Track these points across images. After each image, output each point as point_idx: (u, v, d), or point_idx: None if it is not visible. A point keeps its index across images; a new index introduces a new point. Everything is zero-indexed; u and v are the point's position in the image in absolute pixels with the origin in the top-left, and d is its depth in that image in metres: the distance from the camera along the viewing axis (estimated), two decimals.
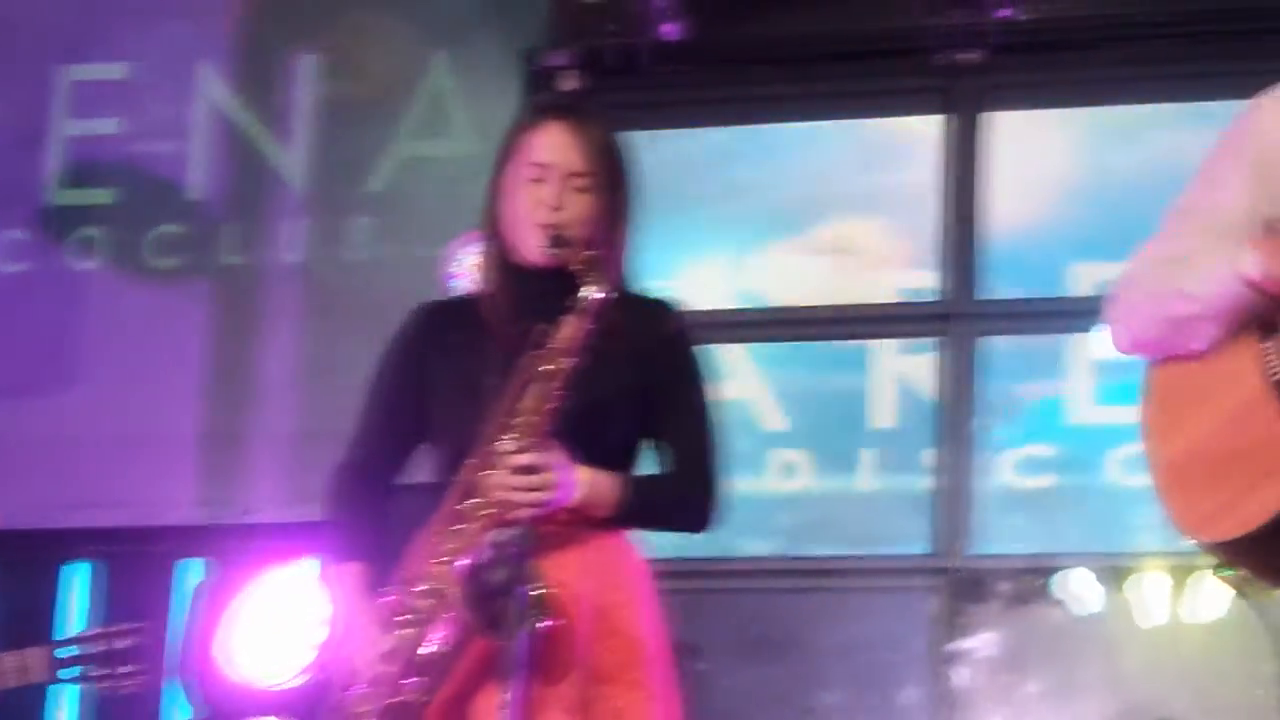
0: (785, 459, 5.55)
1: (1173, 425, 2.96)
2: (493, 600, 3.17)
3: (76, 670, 3.94)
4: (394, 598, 3.34)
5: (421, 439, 3.48)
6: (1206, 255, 2.87)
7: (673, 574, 3.41)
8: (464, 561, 3.23)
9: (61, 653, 3.92)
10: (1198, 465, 2.93)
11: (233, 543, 5.78)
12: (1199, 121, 5.04)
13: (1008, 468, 5.47)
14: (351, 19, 6.05)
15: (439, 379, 3.45)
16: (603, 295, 3.26)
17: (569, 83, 5.66)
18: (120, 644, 3.93)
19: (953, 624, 5.34)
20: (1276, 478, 2.77)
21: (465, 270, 5.14)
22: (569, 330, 3.27)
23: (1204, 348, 2.86)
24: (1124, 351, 3.02)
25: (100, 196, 6.29)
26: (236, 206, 6.25)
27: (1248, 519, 2.79)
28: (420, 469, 3.50)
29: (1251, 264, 2.78)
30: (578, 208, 3.35)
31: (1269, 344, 2.78)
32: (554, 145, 3.37)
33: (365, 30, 6.02)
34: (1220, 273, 2.83)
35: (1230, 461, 2.87)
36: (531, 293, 3.33)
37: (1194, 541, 2.93)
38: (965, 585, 5.35)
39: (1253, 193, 2.91)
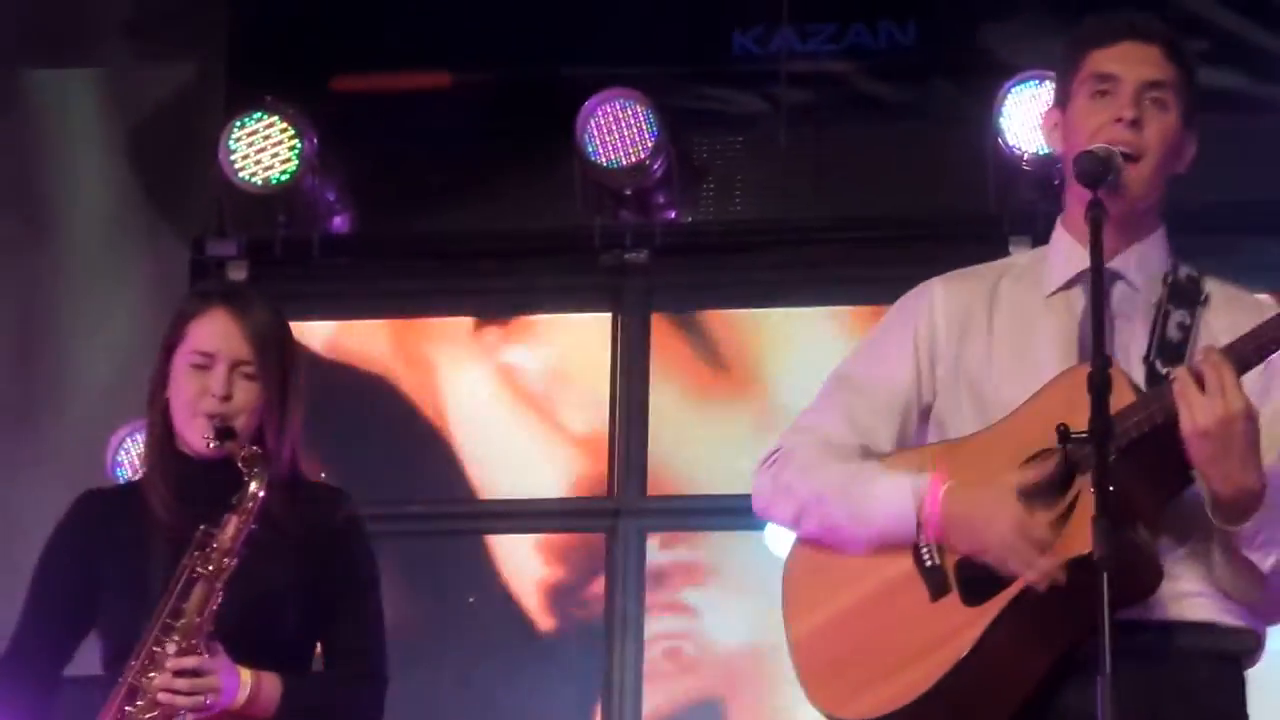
0: None
1: (809, 601, 2.97)
2: None
3: None
4: None
5: (86, 630, 3.40)
6: (872, 457, 2.90)
7: None
8: None
9: None
10: (835, 643, 2.92)
11: None
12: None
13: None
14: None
15: (104, 572, 3.36)
16: (264, 493, 3.21)
17: (237, 272, 5.58)
18: None
19: None
20: (910, 669, 2.78)
21: (130, 456, 5.30)
22: (230, 530, 3.22)
23: (856, 553, 2.87)
24: (770, 519, 3.02)
25: None
26: None
27: (877, 705, 2.80)
28: (84, 661, 3.40)
29: (924, 500, 2.78)
30: (244, 396, 3.30)
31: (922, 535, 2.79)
32: (219, 333, 3.32)
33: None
34: (891, 495, 2.84)
35: (869, 643, 2.87)
36: (197, 484, 3.28)
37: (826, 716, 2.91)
38: None
39: (913, 377, 2.97)
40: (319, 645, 3.41)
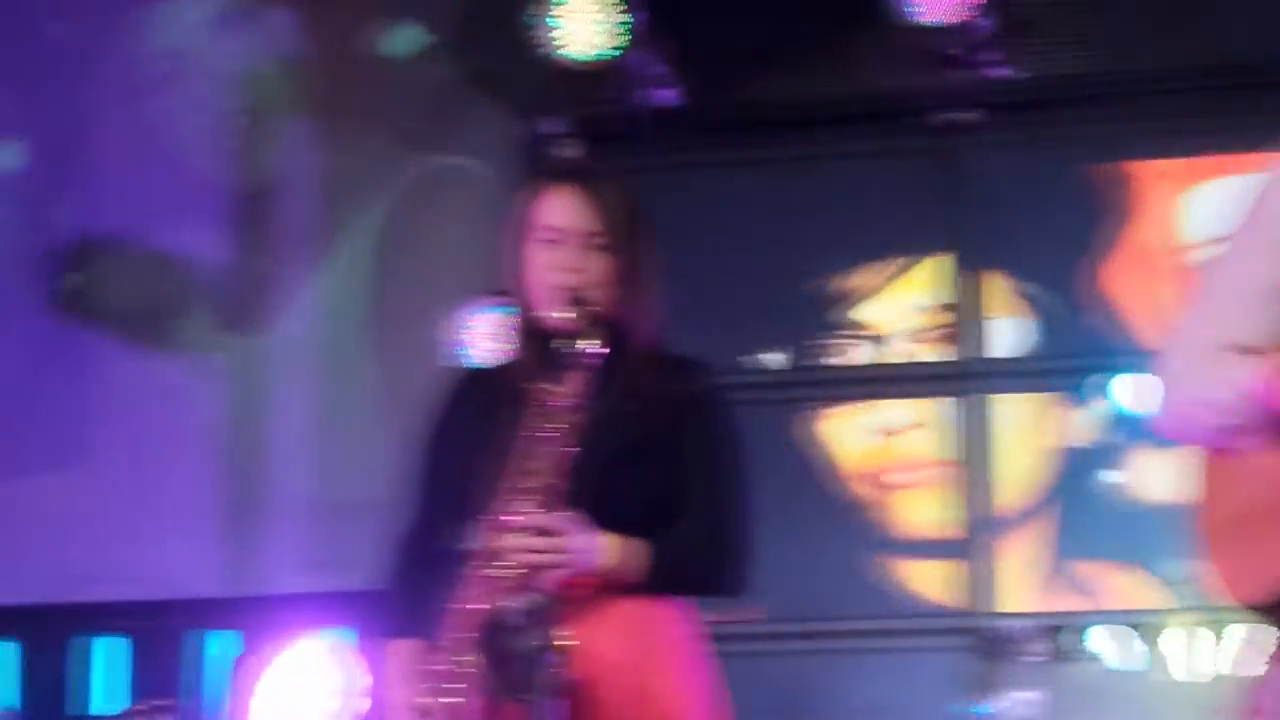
0: None
1: (1218, 490, 2.96)
2: (514, 665, 3.16)
3: None
4: (435, 666, 3.35)
5: (469, 508, 3.48)
6: (1247, 355, 2.85)
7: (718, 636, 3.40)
8: (484, 627, 3.23)
9: None
10: (1244, 529, 2.91)
11: (255, 615, 5.78)
12: None
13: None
14: (348, 90, 6.07)
15: (474, 449, 3.43)
16: (598, 349, 3.26)
17: (570, 149, 5.65)
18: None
19: (983, 683, 5.33)
20: None
21: (474, 335, 5.52)
22: (570, 388, 3.27)
23: (1250, 448, 2.84)
24: (1177, 441, 2.98)
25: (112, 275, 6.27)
26: (248, 274, 6.22)
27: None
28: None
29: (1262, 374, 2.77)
30: (597, 268, 3.35)
31: None
32: (569, 208, 3.38)
33: (363, 101, 6.06)
34: (1240, 374, 2.82)
35: (1275, 525, 2.85)
36: (558, 356, 3.33)
37: (1242, 605, 2.88)
38: (994, 644, 5.38)
39: (1272, 264, 2.93)
40: (680, 519, 3.42)
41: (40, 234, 6.42)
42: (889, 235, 5.85)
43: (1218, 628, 5.09)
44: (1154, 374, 2.92)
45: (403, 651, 3.38)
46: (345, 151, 6.16)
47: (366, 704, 5.16)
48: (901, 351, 5.90)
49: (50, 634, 6.07)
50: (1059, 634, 5.39)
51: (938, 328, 5.78)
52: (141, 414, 6.16)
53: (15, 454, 6.15)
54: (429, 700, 3.30)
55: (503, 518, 3.26)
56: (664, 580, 3.32)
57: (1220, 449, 2.87)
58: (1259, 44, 5.32)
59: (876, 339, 5.85)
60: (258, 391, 6.15)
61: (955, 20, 5.34)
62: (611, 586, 3.28)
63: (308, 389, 6.12)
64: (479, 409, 3.46)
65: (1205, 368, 2.85)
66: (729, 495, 3.41)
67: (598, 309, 3.30)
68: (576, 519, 3.23)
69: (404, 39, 6.12)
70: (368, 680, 5.07)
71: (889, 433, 5.82)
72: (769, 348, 5.94)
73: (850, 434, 5.83)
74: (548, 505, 3.25)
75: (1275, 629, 3.07)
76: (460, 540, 3.46)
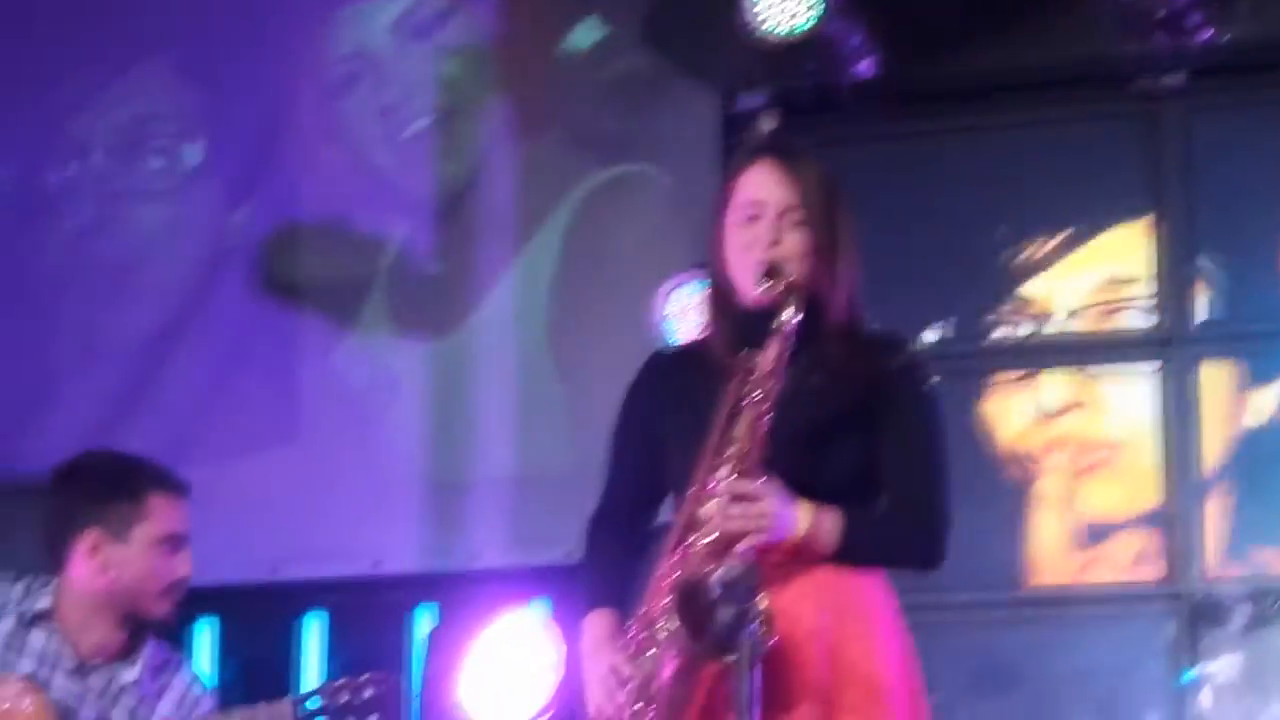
0: None
1: None
2: (714, 629, 3.19)
3: None
4: (634, 634, 3.40)
5: (666, 487, 3.53)
6: None
7: (902, 607, 3.41)
8: (683, 593, 3.25)
9: (308, 704, 4.02)
10: None
11: (460, 589, 5.88)
12: None
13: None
14: (548, 69, 6.18)
15: (672, 426, 3.49)
16: (798, 318, 3.30)
17: (769, 122, 5.69)
18: (362, 694, 4.04)
19: (1187, 649, 5.36)
20: None
21: (676, 310, 5.53)
22: (770, 354, 3.31)
23: None
24: None
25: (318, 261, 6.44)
26: (447, 260, 6.33)
27: None
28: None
29: None
30: (794, 242, 3.38)
31: None
32: (766, 183, 3.41)
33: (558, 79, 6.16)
34: None
35: None
36: (754, 329, 3.37)
37: None
38: (1202, 610, 5.38)
39: None
40: (879, 492, 3.45)
41: (247, 224, 6.51)
42: (1089, 202, 5.83)
43: None
44: None
45: (599, 623, 3.45)
46: (541, 139, 6.21)
47: (565, 676, 5.24)
48: (1097, 320, 5.89)
49: (258, 612, 6.20)
50: (1262, 600, 5.36)
51: (1135, 297, 5.80)
52: (347, 396, 6.26)
53: (225, 436, 6.24)
54: (626, 670, 3.34)
55: (703, 487, 3.31)
56: (861, 549, 3.35)
57: None
58: None
59: (1073, 310, 5.87)
60: (461, 372, 6.20)
61: None
62: (808, 554, 3.32)
63: (509, 369, 6.16)
64: (678, 384, 3.52)
65: None
66: (927, 467, 3.44)
67: (795, 282, 3.34)
68: (774, 487, 3.28)
69: (590, 29, 6.18)
70: (566, 652, 5.12)
71: (1079, 406, 5.84)
72: (962, 319, 5.97)
73: (1044, 404, 5.87)
74: (746, 474, 3.29)
75: None
76: (656, 514, 3.57)
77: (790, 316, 3.30)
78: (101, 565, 4.18)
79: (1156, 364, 5.67)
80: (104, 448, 4.52)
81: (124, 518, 4.20)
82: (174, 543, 4.24)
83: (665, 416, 3.52)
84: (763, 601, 3.16)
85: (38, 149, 6.60)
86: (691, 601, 3.23)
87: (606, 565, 3.56)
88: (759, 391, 3.32)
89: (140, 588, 4.22)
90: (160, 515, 4.23)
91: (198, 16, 6.53)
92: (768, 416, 3.31)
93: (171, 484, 4.27)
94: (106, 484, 4.27)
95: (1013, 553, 5.75)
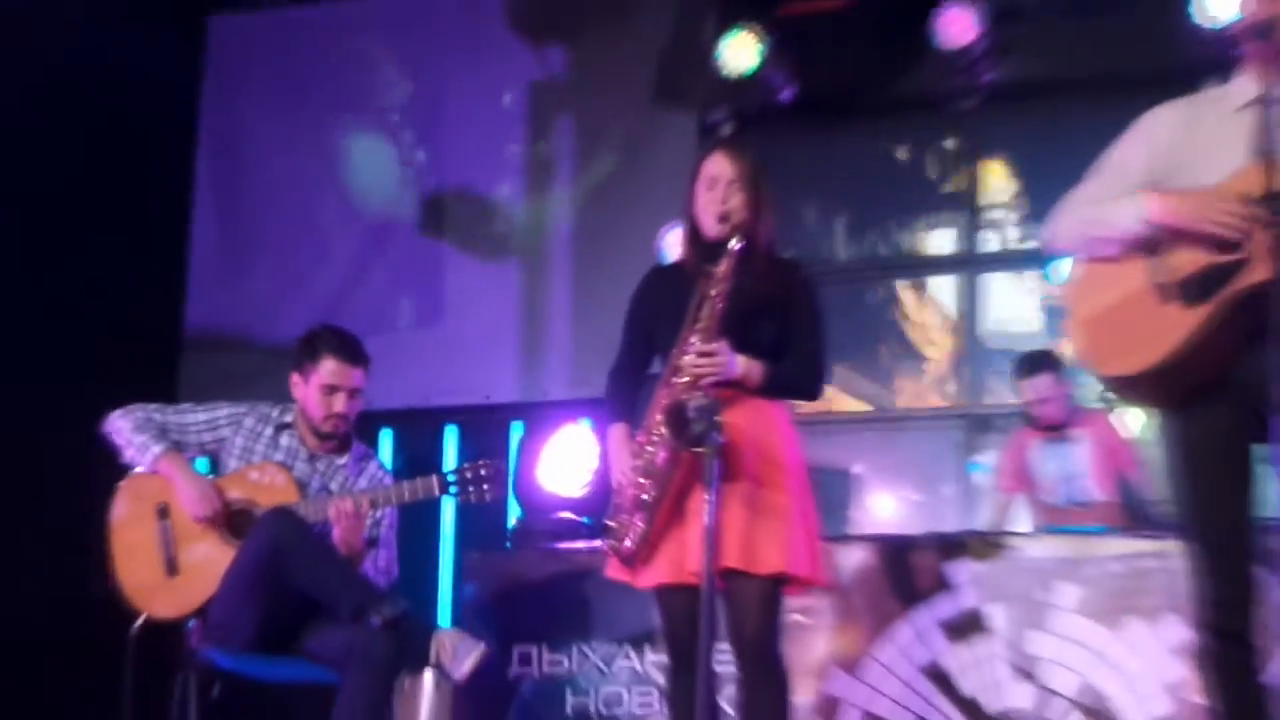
0: None
1: (1085, 298, 3.38)
2: (691, 433, 3.70)
3: (456, 488, 4.59)
4: (639, 438, 3.96)
5: (654, 350, 4.09)
6: (1119, 201, 3.35)
7: (800, 421, 4.03)
8: (671, 412, 3.80)
9: (449, 476, 4.62)
10: (1101, 326, 3.34)
11: (540, 412, 6.86)
12: None
13: None
14: (599, 94, 7.23)
15: (662, 311, 4.01)
16: (740, 245, 3.84)
17: (727, 130, 6.99)
18: (480, 472, 4.61)
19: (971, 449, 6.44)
20: (1150, 345, 3.26)
21: (668, 243, 6.54)
22: (723, 266, 3.87)
23: (1110, 255, 3.34)
24: (1055, 250, 3.45)
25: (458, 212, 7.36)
26: (533, 206, 7.34)
27: (1128, 367, 3.30)
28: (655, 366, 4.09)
29: (1148, 209, 3.28)
30: (737, 201, 3.94)
31: (1152, 259, 3.28)
32: (721, 164, 4.00)
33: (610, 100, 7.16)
34: (1127, 212, 3.29)
35: (1122, 328, 3.30)
36: (711, 255, 3.94)
37: (1093, 373, 3.42)
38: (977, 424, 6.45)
39: (1147, 166, 3.40)
40: (788, 352, 3.95)
41: (412, 183, 7.54)
42: (923, 188, 7.06)
43: None
44: (1056, 213, 3.37)
45: (617, 432, 4.04)
46: (597, 125, 7.25)
47: (600, 464, 6.05)
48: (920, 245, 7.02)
49: (417, 425, 7.26)
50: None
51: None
52: (476, 292, 7.31)
53: (397, 317, 7.38)
54: (635, 459, 3.90)
55: (682, 347, 3.87)
56: (775, 387, 3.94)
57: (1093, 258, 3.37)
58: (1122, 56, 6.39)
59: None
60: (539, 280, 7.34)
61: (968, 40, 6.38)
62: (745, 389, 3.88)
63: (569, 277, 7.30)
64: (667, 285, 4.06)
65: (1093, 208, 3.34)
66: (815, 337, 4.00)
67: (738, 223, 3.89)
68: (725, 346, 3.83)
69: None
70: (600, 450, 5.90)
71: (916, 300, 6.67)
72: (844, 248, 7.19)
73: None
74: (709, 339, 3.85)
75: (1134, 404, 3.93)
76: (649, 368, 4.08)
77: (735, 244, 3.86)
78: (301, 397, 4.77)
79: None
80: (330, 323, 4.94)
81: (306, 369, 4.74)
82: (333, 390, 4.69)
83: (658, 305, 4.03)
84: (721, 416, 3.63)
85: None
86: (676, 417, 3.73)
87: (620, 396, 4.09)
88: (716, 290, 3.84)
89: (312, 414, 4.75)
90: (325, 370, 4.70)
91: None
92: (721, 304, 3.82)
93: (343, 351, 4.71)
94: (306, 345, 4.77)
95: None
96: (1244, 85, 3.34)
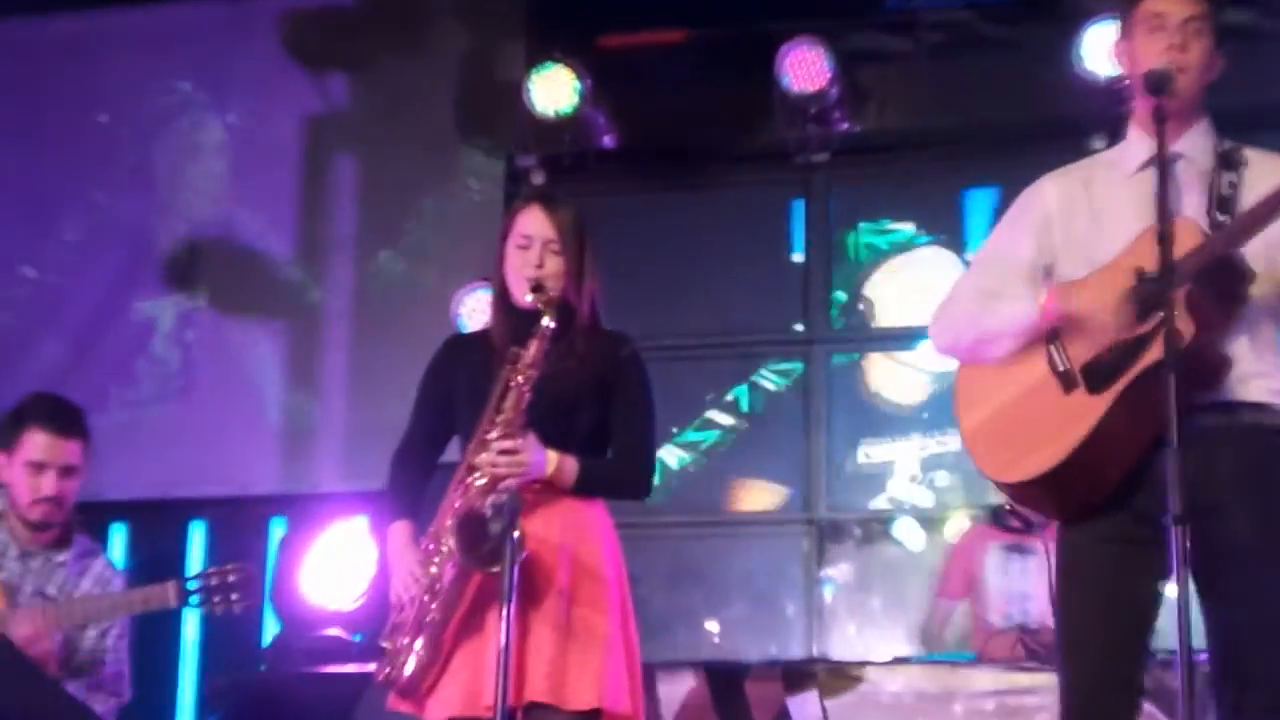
0: None
1: (975, 404, 3.31)
2: (483, 544, 3.52)
3: (199, 597, 4.36)
4: (426, 544, 3.70)
5: (451, 433, 3.86)
6: (1010, 294, 3.29)
7: (620, 525, 3.83)
8: (462, 518, 3.59)
9: (189, 584, 4.37)
10: (996, 430, 3.26)
11: (306, 506, 6.48)
12: None
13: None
14: (388, 131, 6.82)
15: (459, 389, 3.81)
16: (554, 325, 3.64)
17: (537, 177, 6.50)
18: (228, 579, 4.37)
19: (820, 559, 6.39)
20: (1053, 443, 3.15)
21: (466, 308, 6.21)
22: (533, 349, 3.65)
23: (1002, 356, 3.28)
24: (941, 352, 3.40)
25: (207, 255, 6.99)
26: (303, 259, 6.96)
27: (1030, 469, 3.17)
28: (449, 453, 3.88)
29: (1045, 301, 3.23)
30: (553, 266, 3.71)
31: (1053, 346, 3.23)
32: (535, 221, 3.74)
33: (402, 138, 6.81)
34: (1021, 305, 3.25)
35: (1021, 427, 3.21)
36: (522, 326, 3.71)
37: (994, 482, 3.29)
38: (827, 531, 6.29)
39: (1036, 248, 3.33)
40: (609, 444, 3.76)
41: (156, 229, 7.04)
42: (759, 242, 6.74)
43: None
44: (941, 312, 3.35)
45: (400, 532, 3.77)
46: (386, 166, 6.88)
47: (377, 571, 5.70)
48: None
49: (156, 519, 6.76)
50: (869, 524, 6.33)
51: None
52: (228, 360, 6.88)
53: (137, 390, 6.86)
54: (419, 572, 3.66)
55: (480, 442, 3.64)
56: (592, 485, 3.71)
57: (977, 362, 3.33)
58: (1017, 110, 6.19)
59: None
60: (312, 347, 6.89)
61: (815, 89, 6.10)
62: (555, 489, 3.67)
63: (347, 345, 6.86)
64: (467, 360, 3.82)
65: (983, 305, 3.29)
66: (642, 427, 3.79)
67: (553, 297, 3.68)
68: (531, 441, 3.62)
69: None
70: (378, 555, 5.55)
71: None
72: (670, 319, 6.68)
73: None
74: (511, 435, 3.62)
75: (1023, 507, 3.69)
76: (441, 453, 3.86)
77: (548, 323, 3.65)
78: (7, 479, 4.48)
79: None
80: (47, 391, 4.67)
81: (10, 445, 4.46)
82: (40, 467, 4.40)
83: (456, 383, 3.80)
84: (520, 525, 3.47)
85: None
86: (467, 528, 3.54)
87: (404, 488, 3.82)
88: (523, 377, 3.64)
89: (18, 498, 4.46)
90: (31, 444, 4.41)
91: None
92: (528, 396, 3.63)
93: (53, 421, 4.44)
94: (11, 416, 4.51)
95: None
96: (1135, 146, 3.27)
